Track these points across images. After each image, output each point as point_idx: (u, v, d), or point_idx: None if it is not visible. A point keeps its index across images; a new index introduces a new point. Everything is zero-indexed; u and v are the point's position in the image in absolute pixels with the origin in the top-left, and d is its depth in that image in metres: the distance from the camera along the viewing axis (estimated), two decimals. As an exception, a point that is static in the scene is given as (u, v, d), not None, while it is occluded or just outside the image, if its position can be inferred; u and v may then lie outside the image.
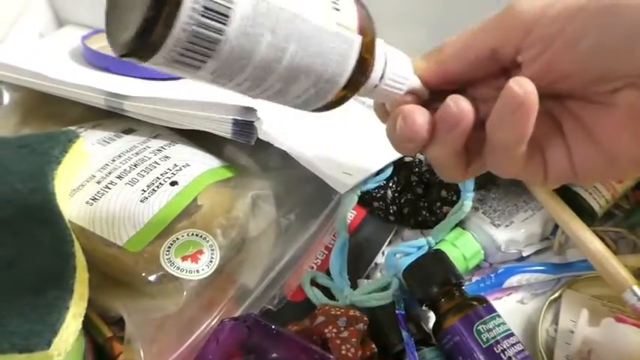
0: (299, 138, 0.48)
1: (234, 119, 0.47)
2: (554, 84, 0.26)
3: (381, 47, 0.28)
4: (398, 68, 0.29)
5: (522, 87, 0.25)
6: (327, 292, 0.46)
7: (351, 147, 0.51)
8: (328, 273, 0.47)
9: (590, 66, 0.25)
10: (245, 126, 0.47)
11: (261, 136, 0.46)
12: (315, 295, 0.46)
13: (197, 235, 0.43)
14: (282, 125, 0.47)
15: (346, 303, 0.45)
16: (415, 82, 0.30)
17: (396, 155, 0.50)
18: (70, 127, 0.49)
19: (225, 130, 0.47)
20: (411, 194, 0.51)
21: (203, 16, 0.21)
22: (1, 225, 0.37)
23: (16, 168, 0.41)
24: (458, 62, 0.28)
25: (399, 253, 0.48)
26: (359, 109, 0.56)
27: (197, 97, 0.49)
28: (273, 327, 0.38)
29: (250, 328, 0.36)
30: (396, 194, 0.51)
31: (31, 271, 0.35)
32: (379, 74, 0.28)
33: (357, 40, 0.26)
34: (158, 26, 0.20)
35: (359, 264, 0.49)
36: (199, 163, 0.49)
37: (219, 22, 0.22)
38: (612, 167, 0.27)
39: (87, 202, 0.43)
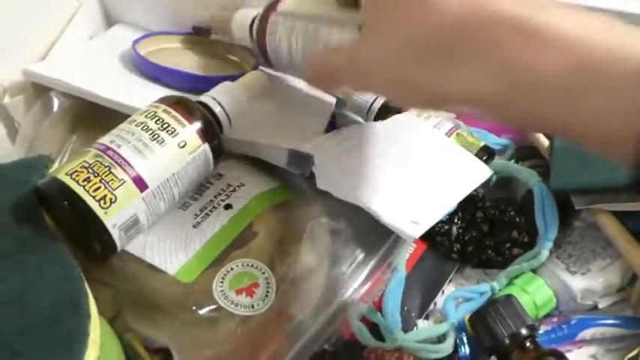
0: (360, 183, 0.46)
1: (289, 150, 0.46)
2: None
3: None
4: None
5: None
6: (375, 329, 0.43)
7: (415, 188, 0.47)
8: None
9: None
10: (300, 158, 0.46)
11: (320, 186, 0.44)
12: (361, 332, 0.42)
13: (253, 265, 0.40)
14: (341, 172, 0.46)
15: (395, 346, 0.42)
16: None
17: (463, 194, 0.46)
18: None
19: (279, 160, 0.46)
20: (476, 232, 0.47)
21: None
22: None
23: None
24: None
25: (458, 297, 0.44)
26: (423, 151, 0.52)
27: (253, 124, 0.48)
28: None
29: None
30: (461, 230, 0.47)
31: (42, 300, 0.32)
32: None
33: None
34: None
35: (418, 303, 0.46)
36: (254, 184, 0.46)
37: None
38: None
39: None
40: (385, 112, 0.53)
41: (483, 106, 0.28)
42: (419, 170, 0.47)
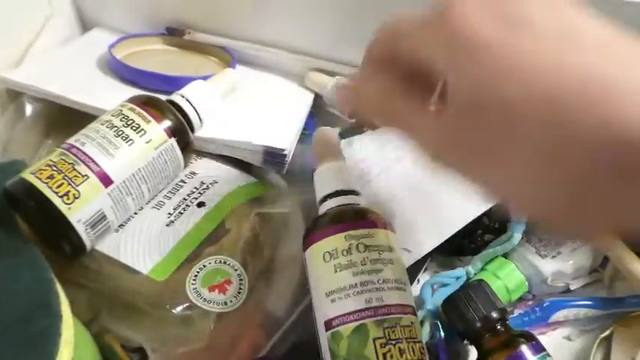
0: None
1: (264, 148, 0.47)
2: None
3: None
4: None
5: None
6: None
7: (415, 210, 0.45)
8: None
9: None
10: (276, 156, 0.47)
11: None
12: None
13: (225, 262, 0.41)
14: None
15: None
16: None
17: (466, 220, 0.44)
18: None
19: (255, 159, 0.47)
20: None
21: None
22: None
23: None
24: None
25: (435, 283, 0.45)
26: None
27: (228, 123, 0.49)
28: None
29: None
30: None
31: (14, 303, 0.33)
32: None
33: None
34: None
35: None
36: (227, 181, 0.47)
37: None
38: None
39: (114, 230, 0.41)
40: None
41: None
42: (425, 190, 0.46)
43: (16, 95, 0.51)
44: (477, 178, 0.24)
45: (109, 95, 0.49)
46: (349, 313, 0.34)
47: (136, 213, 0.42)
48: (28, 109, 0.50)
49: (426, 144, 0.25)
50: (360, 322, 0.34)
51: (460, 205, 0.44)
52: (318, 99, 0.58)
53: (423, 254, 0.44)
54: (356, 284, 0.35)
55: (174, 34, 0.61)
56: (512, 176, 0.22)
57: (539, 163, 0.21)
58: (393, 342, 0.33)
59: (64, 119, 0.50)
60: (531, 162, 0.21)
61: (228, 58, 0.60)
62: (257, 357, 0.39)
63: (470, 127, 0.23)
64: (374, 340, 0.33)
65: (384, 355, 0.33)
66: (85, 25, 0.65)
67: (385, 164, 0.46)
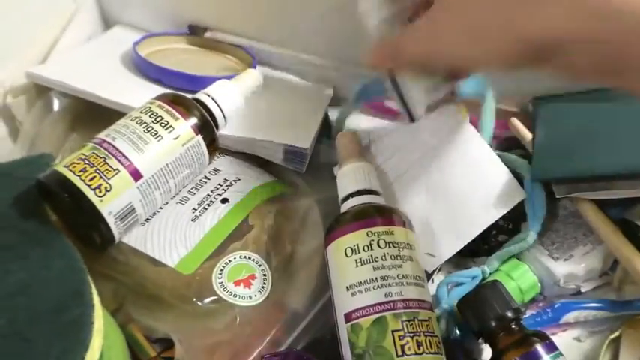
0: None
1: (285, 146, 0.48)
2: None
3: None
4: None
5: None
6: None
7: (438, 214, 0.46)
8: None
9: None
10: (296, 154, 0.48)
11: None
12: None
13: (249, 258, 0.42)
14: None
15: None
16: None
17: (488, 222, 0.45)
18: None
19: (276, 157, 0.49)
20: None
21: None
22: (3, 250, 0.36)
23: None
24: None
25: (451, 282, 0.46)
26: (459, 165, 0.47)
27: (250, 122, 0.51)
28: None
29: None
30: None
31: (48, 291, 0.34)
32: None
33: None
34: None
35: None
36: (250, 178, 0.48)
37: None
38: None
39: (140, 223, 0.42)
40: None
41: (564, 44, 0.28)
42: (446, 192, 0.46)
43: (43, 90, 0.52)
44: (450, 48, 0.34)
45: (134, 92, 0.50)
46: (369, 306, 0.36)
47: (161, 208, 0.44)
48: (56, 104, 0.51)
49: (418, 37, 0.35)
50: (380, 314, 0.35)
51: (481, 207, 0.45)
52: (334, 100, 0.60)
53: (446, 258, 0.45)
54: (376, 278, 0.36)
55: (195, 32, 0.62)
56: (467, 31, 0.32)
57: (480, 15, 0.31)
58: (411, 335, 0.35)
59: (89, 114, 0.52)
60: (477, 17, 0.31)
61: (248, 58, 0.61)
62: (278, 351, 0.40)
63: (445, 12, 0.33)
64: (392, 332, 0.35)
65: (402, 347, 0.34)
66: (107, 22, 0.66)
67: (405, 167, 0.47)
